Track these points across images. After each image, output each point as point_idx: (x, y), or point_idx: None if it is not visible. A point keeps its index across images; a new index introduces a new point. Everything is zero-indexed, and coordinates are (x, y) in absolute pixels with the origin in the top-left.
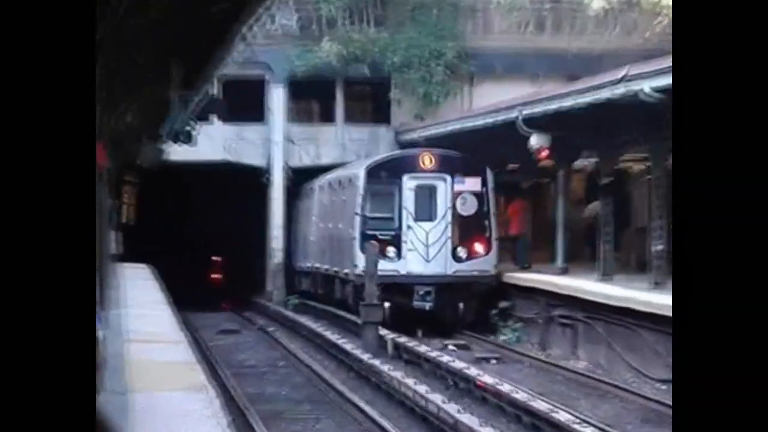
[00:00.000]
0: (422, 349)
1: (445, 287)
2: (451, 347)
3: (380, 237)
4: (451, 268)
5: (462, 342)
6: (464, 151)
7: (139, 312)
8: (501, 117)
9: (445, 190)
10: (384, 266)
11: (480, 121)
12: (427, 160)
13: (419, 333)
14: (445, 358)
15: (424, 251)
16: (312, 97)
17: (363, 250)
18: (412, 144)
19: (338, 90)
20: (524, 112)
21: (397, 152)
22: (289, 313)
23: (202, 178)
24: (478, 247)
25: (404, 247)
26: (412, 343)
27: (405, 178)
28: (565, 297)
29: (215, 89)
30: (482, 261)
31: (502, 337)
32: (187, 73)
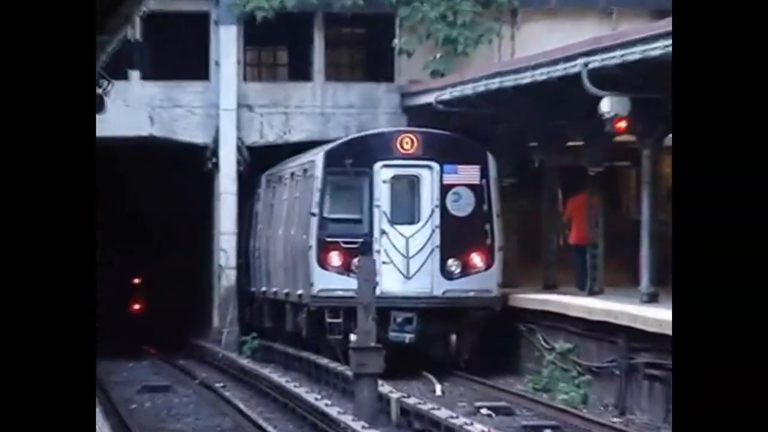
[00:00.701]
0: (442, 413)
1: (432, 313)
2: (485, 411)
3: (344, 245)
4: (440, 287)
5: (502, 403)
6: (500, 121)
7: None
8: (557, 70)
9: (431, 182)
10: (347, 284)
11: (526, 77)
12: (407, 142)
13: (437, 389)
14: (477, 430)
15: (404, 265)
16: (278, 43)
17: (321, 262)
18: (425, 111)
19: (317, 32)
20: (592, 64)
21: (367, 132)
22: (245, 361)
23: (117, 162)
24: (476, 260)
25: (376, 258)
26: (427, 406)
27: (377, 166)
28: (655, 337)
29: (136, 31)
30: (482, 278)
31: (561, 396)
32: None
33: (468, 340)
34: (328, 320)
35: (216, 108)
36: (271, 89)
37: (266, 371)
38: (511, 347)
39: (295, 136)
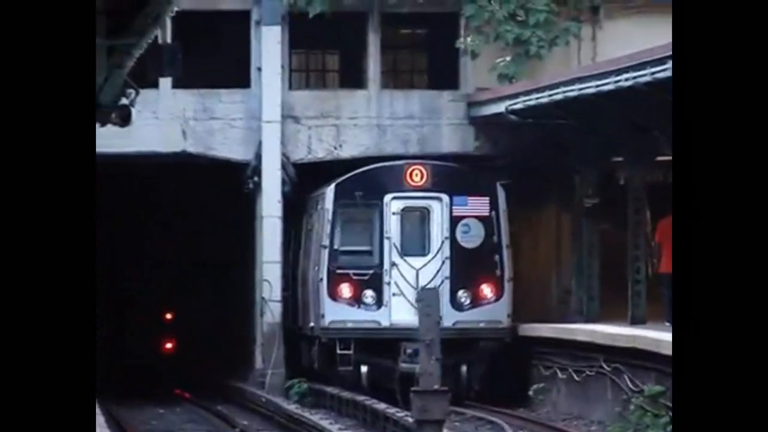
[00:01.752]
0: None
1: (443, 344)
2: None
3: (354, 277)
4: (451, 318)
5: None
6: (580, 133)
7: None
8: (645, 75)
9: (441, 214)
10: (358, 316)
11: (609, 84)
12: (416, 174)
13: None
14: None
15: (414, 296)
16: (328, 46)
17: (331, 294)
18: (494, 121)
19: (371, 33)
20: None
21: (377, 165)
22: (293, 407)
23: (146, 183)
24: (486, 291)
25: (386, 290)
26: None
27: (387, 198)
28: None
29: (166, 33)
30: (492, 309)
31: None
32: (120, 6)
33: (478, 371)
34: (339, 352)
35: (257, 120)
36: (320, 98)
37: (316, 418)
38: (594, 387)
39: (348, 152)
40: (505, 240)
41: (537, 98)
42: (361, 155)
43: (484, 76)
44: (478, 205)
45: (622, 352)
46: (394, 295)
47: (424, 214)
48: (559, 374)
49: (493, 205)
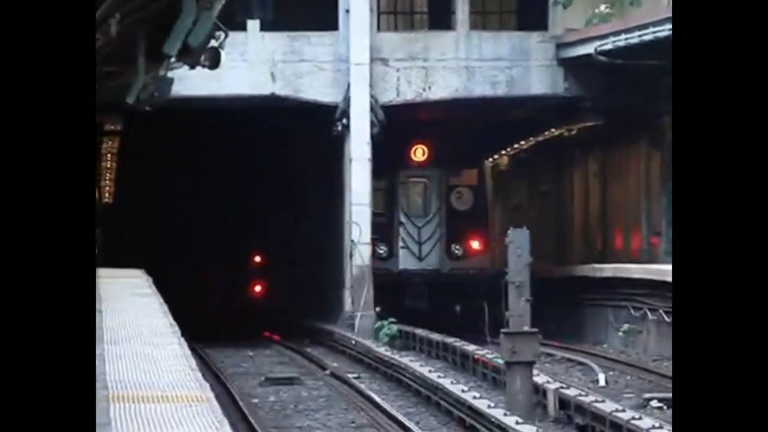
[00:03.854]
0: (606, 406)
1: (440, 286)
2: (655, 403)
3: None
4: (447, 266)
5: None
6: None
7: (132, 350)
8: None
9: (438, 184)
10: (376, 264)
11: None
12: (420, 152)
13: (601, 379)
14: (647, 425)
15: (417, 249)
16: None
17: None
18: (583, 63)
19: None
20: None
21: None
22: (382, 349)
23: (235, 125)
24: (475, 245)
25: (396, 244)
26: (589, 398)
27: (398, 172)
28: None
29: None
30: (479, 259)
31: None
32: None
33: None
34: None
35: (346, 62)
36: (408, 40)
37: (406, 360)
38: None
39: (437, 94)
40: (490, 204)
41: (626, 39)
42: (450, 97)
43: (573, 17)
44: (469, 176)
45: None
46: (401, 247)
47: (426, 184)
48: (650, 315)
49: (481, 175)
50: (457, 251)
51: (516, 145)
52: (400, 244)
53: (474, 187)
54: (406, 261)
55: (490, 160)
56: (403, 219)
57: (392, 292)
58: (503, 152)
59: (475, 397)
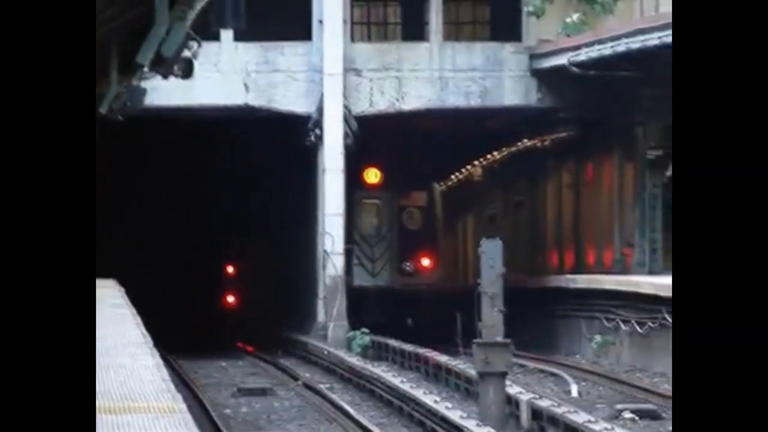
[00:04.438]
0: (579, 417)
1: (392, 300)
2: (628, 414)
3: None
4: (398, 282)
5: (648, 406)
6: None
7: (104, 361)
8: None
9: (390, 205)
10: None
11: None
12: (373, 175)
13: (573, 390)
14: None
15: (371, 266)
16: None
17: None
18: (557, 74)
19: None
20: None
21: None
22: (355, 360)
23: (208, 135)
24: (425, 261)
25: (352, 261)
26: (561, 409)
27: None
28: None
29: None
30: (429, 274)
31: None
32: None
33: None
34: None
35: (319, 73)
36: (381, 51)
37: (378, 371)
38: (658, 339)
39: (410, 104)
40: (439, 223)
41: (599, 50)
42: (423, 107)
43: (546, 27)
44: (419, 197)
45: None
46: (356, 265)
47: (378, 205)
48: (622, 326)
49: (430, 197)
50: (407, 268)
51: (489, 156)
52: (355, 261)
53: (424, 208)
54: (360, 277)
55: (449, 179)
56: (357, 238)
57: (349, 306)
58: (476, 163)
59: (447, 408)
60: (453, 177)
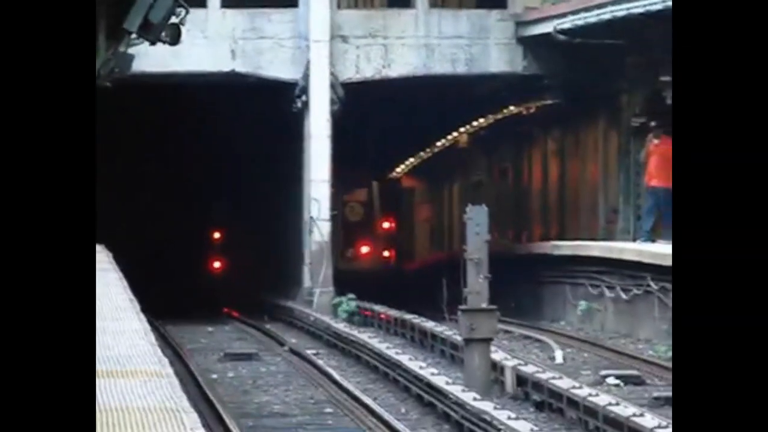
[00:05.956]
0: (564, 383)
1: (340, 282)
2: (612, 380)
3: None
4: (341, 266)
5: (632, 372)
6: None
7: None
8: None
9: (336, 199)
10: None
11: (657, 3)
12: None
13: (558, 356)
14: (604, 402)
15: None
16: None
17: None
18: (542, 41)
19: None
20: None
21: None
22: (341, 326)
23: (194, 101)
24: (364, 249)
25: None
26: (546, 375)
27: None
28: None
29: None
30: (370, 260)
31: None
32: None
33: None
34: None
35: (306, 40)
36: (368, 18)
37: (364, 337)
38: (641, 306)
39: (396, 71)
40: (377, 216)
41: (585, 18)
42: (410, 74)
43: None
44: (360, 193)
45: (669, 271)
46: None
47: None
48: (607, 293)
49: (370, 193)
50: (348, 255)
51: (475, 123)
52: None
53: (364, 202)
54: None
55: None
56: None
57: None
58: (462, 130)
59: (433, 374)
60: (438, 144)
